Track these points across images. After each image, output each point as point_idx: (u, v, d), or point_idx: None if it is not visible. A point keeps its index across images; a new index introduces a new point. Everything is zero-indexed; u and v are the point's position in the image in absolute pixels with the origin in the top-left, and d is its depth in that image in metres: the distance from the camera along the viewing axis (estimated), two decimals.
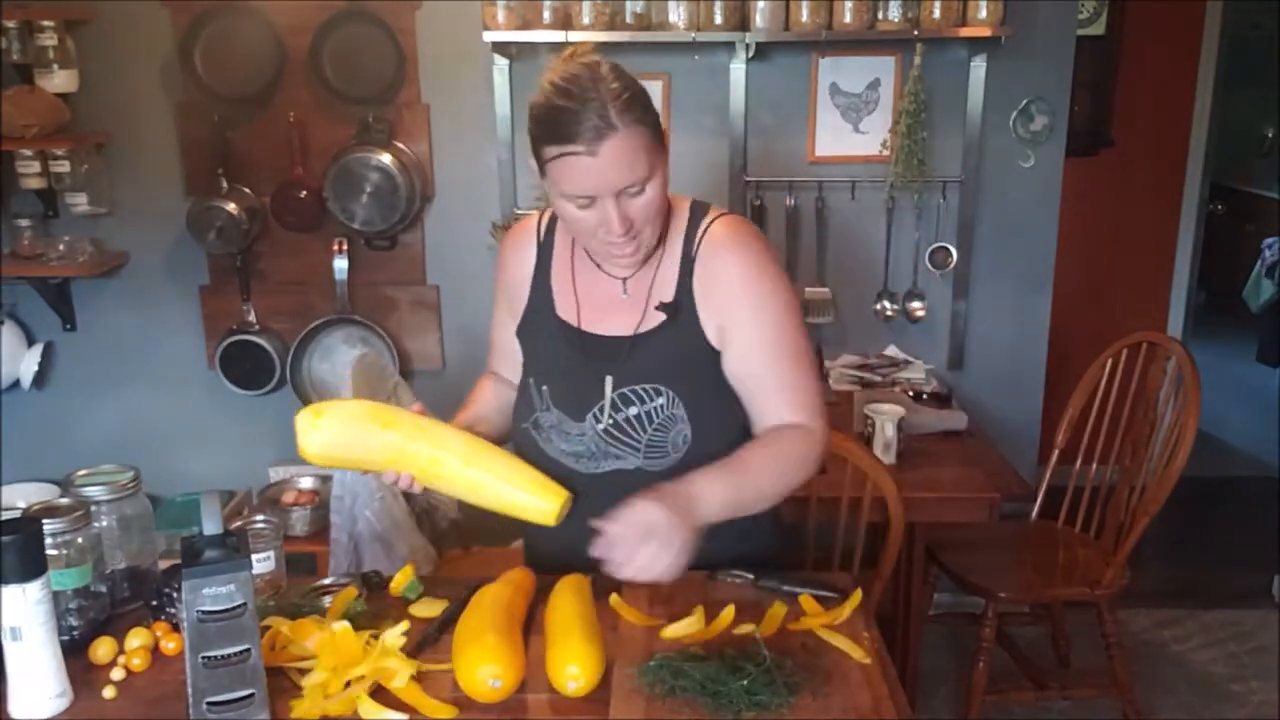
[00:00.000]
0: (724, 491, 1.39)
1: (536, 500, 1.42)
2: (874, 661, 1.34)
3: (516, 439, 1.60)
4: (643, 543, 1.29)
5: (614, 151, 1.33)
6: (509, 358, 1.66)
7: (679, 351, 1.49)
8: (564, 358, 1.54)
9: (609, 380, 1.49)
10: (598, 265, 1.53)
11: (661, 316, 1.50)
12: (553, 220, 1.59)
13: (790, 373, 1.50)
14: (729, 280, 1.48)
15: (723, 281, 1.48)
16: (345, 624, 1.35)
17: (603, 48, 3.00)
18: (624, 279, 1.52)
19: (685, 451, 1.49)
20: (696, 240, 1.50)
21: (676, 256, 1.50)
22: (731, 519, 1.42)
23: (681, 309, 1.49)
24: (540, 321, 1.57)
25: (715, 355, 1.51)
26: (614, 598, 1.47)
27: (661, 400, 1.48)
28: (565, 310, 1.55)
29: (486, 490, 1.43)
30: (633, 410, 1.48)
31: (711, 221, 1.51)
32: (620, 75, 1.37)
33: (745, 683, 1.25)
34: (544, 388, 1.54)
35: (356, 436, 1.41)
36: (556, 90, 1.35)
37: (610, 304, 1.53)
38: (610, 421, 1.49)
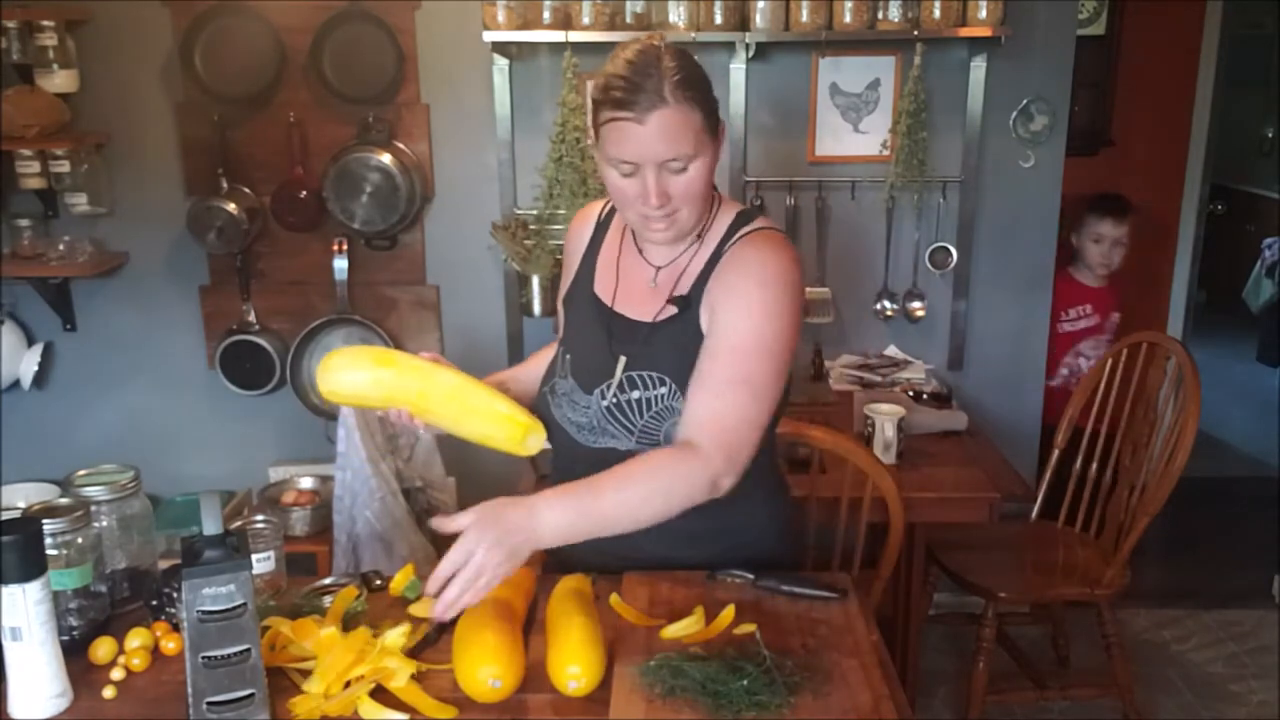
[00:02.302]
0: (565, 516, 1.34)
1: (500, 430, 1.50)
2: (874, 661, 1.34)
3: (536, 401, 1.66)
4: (482, 544, 1.27)
5: (661, 122, 1.39)
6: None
7: (684, 346, 1.52)
8: (589, 332, 1.60)
9: (622, 361, 1.54)
10: (639, 251, 1.60)
11: (673, 310, 1.54)
12: (614, 206, 1.65)
13: (722, 387, 1.44)
14: (722, 290, 1.50)
15: (718, 288, 1.51)
16: (333, 629, 1.36)
17: (603, 48, 3.01)
18: (657, 268, 1.57)
19: None
20: (727, 246, 1.53)
21: (706, 256, 1.55)
22: (727, 524, 1.50)
23: (691, 304, 1.53)
24: (579, 295, 1.65)
25: None
26: (614, 598, 1.47)
27: (663, 390, 1.51)
28: (602, 288, 1.62)
29: (465, 423, 1.52)
30: (635, 394, 1.52)
31: (750, 231, 1.54)
32: (683, 60, 1.43)
33: (745, 683, 1.25)
34: (567, 356, 1.61)
35: (358, 375, 1.52)
36: (622, 62, 1.42)
37: (641, 290, 1.58)
38: (613, 400, 1.53)
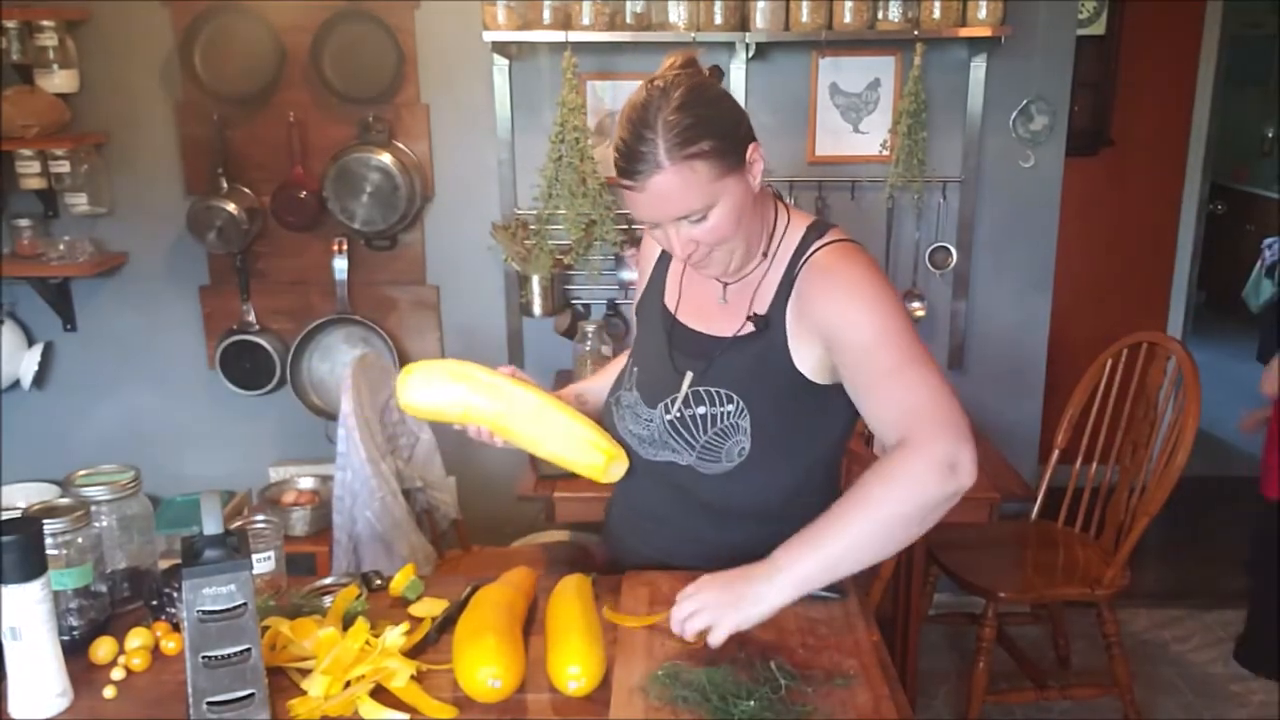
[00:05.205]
0: (810, 554, 1.33)
1: (583, 457, 1.52)
2: (874, 661, 1.34)
3: (604, 412, 1.66)
4: (699, 612, 1.31)
5: (660, 188, 1.34)
6: None
7: (759, 365, 1.49)
8: (656, 345, 1.59)
9: (688, 376, 1.52)
10: None
11: (751, 327, 1.50)
12: None
13: (895, 389, 1.39)
14: (825, 306, 1.44)
15: (819, 308, 1.44)
16: (332, 629, 1.37)
17: (603, 48, 2.99)
18: (725, 284, 1.54)
19: (739, 464, 1.49)
20: (800, 263, 1.48)
21: (779, 274, 1.50)
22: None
23: (771, 325, 1.49)
24: (650, 306, 1.65)
25: (798, 380, 1.48)
26: (607, 610, 1.45)
27: (730, 408, 1.49)
28: (670, 300, 1.62)
29: (545, 447, 1.54)
30: (700, 410, 1.50)
31: (821, 247, 1.47)
32: (687, 107, 1.34)
33: (753, 703, 1.22)
34: (634, 369, 1.60)
35: (435, 391, 1.54)
36: (625, 118, 1.37)
37: (708, 305, 1.57)
38: (676, 415, 1.52)
